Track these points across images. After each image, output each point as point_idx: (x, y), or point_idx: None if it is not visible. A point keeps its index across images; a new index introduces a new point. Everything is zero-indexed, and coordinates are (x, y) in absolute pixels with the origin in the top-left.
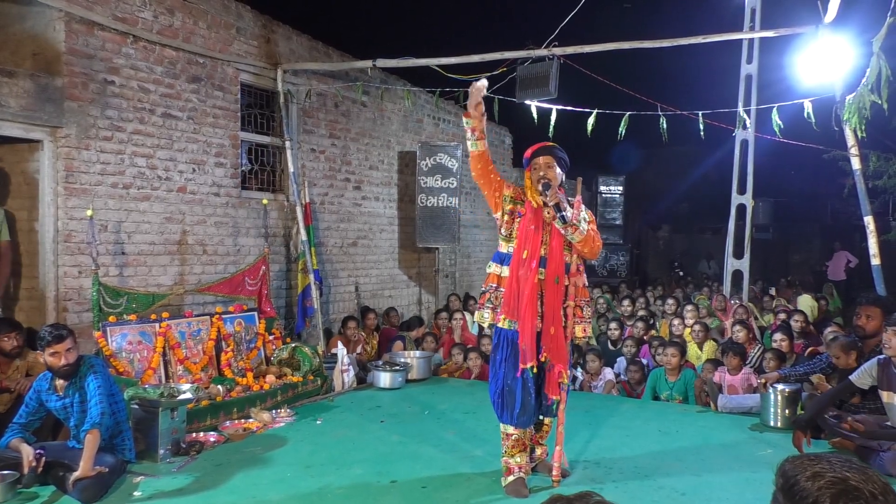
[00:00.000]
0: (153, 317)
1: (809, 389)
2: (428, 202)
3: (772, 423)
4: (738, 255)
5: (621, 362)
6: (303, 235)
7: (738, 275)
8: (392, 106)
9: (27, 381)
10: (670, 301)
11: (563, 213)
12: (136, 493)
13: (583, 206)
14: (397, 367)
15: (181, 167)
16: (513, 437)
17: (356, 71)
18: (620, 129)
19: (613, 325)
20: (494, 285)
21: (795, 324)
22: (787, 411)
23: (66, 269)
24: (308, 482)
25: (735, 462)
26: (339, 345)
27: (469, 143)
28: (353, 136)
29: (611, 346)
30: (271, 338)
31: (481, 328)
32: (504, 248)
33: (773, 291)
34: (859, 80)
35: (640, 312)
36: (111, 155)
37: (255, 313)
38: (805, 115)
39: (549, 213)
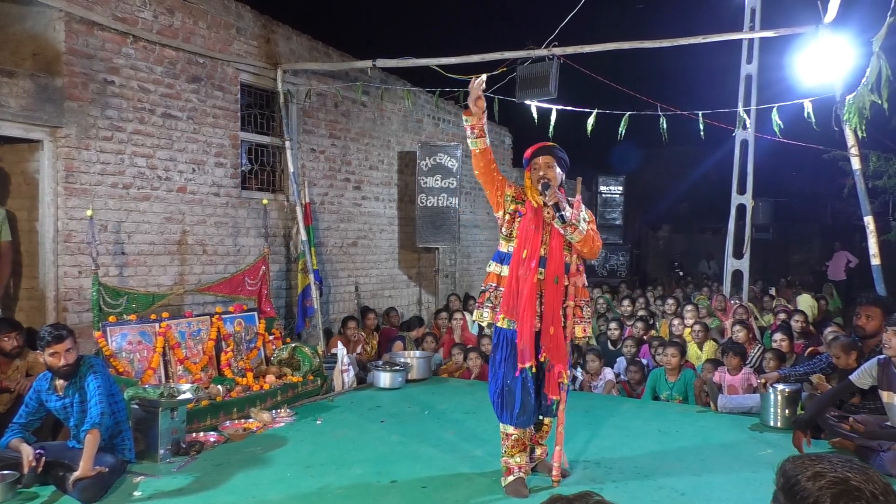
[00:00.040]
0: (153, 317)
1: (809, 389)
2: (428, 202)
3: (772, 423)
4: (738, 255)
5: (621, 362)
6: (303, 235)
7: (738, 275)
8: (392, 106)
9: (27, 381)
10: (670, 301)
11: (563, 213)
12: (136, 493)
13: (582, 206)
14: (397, 367)
15: (181, 167)
16: (512, 437)
17: (356, 71)
18: (620, 129)
19: (613, 325)
20: (494, 284)
21: (795, 324)
22: (787, 411)
23: (66, 269)
24: (308, 482)
25: (735, 462)
26: (339, 345)
27: (469, 141)
28: (353, 136)
29: (611, 347)
30: (271, 338)
31: (481, 328)
32: (504, 247)
33: (772, 291)
34: (859, 80)
35: (640, 312)
36: (111, 155)
37: (255, 313)
38: (805, 115)
39: (548, 212)
